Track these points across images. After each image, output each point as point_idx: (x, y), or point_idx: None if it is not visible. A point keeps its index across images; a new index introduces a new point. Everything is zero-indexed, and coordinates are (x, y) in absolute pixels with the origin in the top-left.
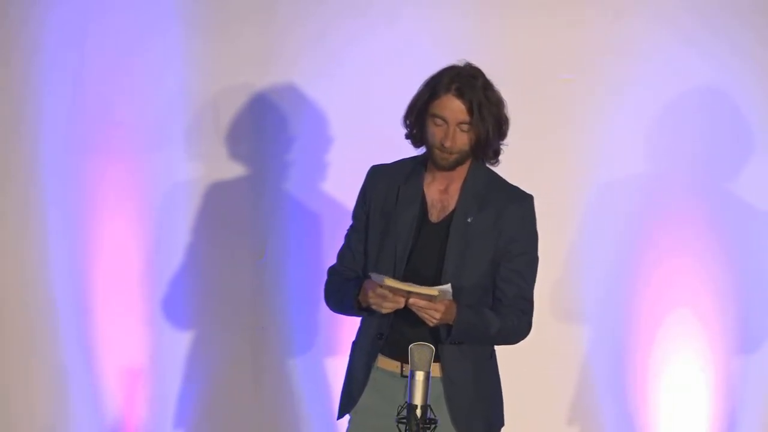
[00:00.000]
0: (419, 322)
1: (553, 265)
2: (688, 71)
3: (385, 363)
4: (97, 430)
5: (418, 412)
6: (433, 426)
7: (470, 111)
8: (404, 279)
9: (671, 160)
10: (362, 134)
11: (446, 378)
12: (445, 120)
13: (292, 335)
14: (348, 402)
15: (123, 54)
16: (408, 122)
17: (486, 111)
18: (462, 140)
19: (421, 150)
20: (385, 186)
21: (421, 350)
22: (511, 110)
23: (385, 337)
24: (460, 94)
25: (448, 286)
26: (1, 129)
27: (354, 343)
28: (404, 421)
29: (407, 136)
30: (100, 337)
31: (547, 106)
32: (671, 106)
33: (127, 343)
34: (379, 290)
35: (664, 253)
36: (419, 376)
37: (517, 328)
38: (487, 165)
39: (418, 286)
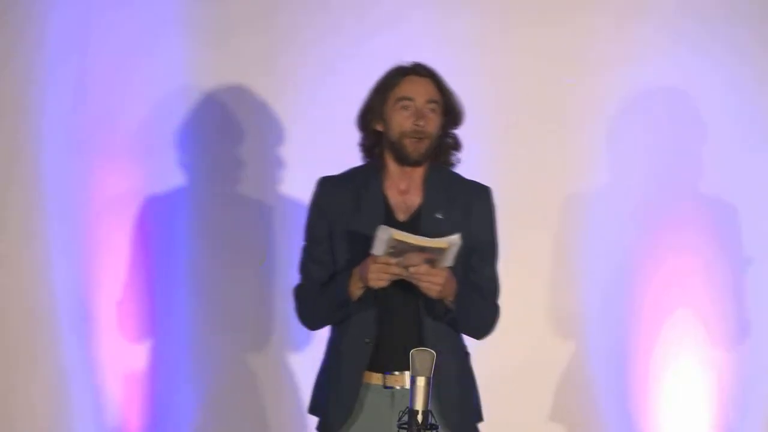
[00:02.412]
0: (407, 324)
1: (555, 266)
2: (690, 75)
3: (368, 377)
4: None
5: (420, 417)
6: (434, 431)
7: (438, 89)
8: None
9: (672, 160)
10: None
11: (437, 378)
12: (412, 100)
13: (293, 340)
14: (342, 413)
15: (125, 57)
16: (363, 124)
17: (446, 89)
18: (433, 121)
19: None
20: (343, 194)
21: (422, 356)
22: (513, 111)
23: (374, 343)
24: (421, 74)
25: (456, 237)
26: (2, 131)
27: (332, 347)
28: (405, 426)
29: (361, 143)
30: (101, 341)
31: (549, 109)
32: (672, 106)
33: (127, 347)
34: (381, 259)
35: (665, 253)
36: (420, 381)
37: (494, 315)
38: (446, 167)
39: (427, 238)
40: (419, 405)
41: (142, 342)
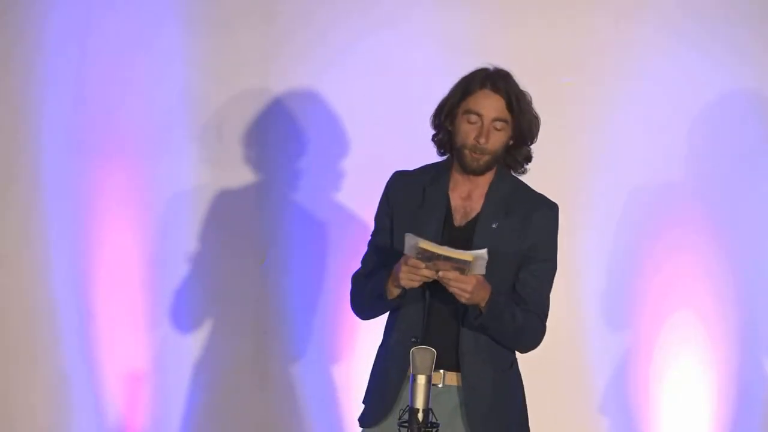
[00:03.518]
0: (449, 326)
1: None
2: (689, 74)
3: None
4: None
5: (420, 415)
6: (434, 430)
7: (509, 107)
8: (429, 284)
9: (672, 160)
10: (365, 137)
11: (466, 385)
12: (480, 116)
13: (295, 339)
14: (381, 408)
15: (125, 56)
16: (437, 123)
17: (519, 104)
18: (496, 140)
19: (443, 158)
20: (410, 190)
21: (422, 354)
22: None
23: (420, 341)
24: (497, 89)
25: (483, 251)
26: (2, 131)
27: (382, 347)
28: (406, 424)
29: (434, 139)
30: (102, 341)
31: (549, 109)
32: (672, 106)
33: (129, 347)
34: (411, 261)
35: (666, 254)
36: (420, 379)
37: (535, 330)
38: (513, 173)
39: (452, 249)
40: (419, 403)
41: (141, 342)
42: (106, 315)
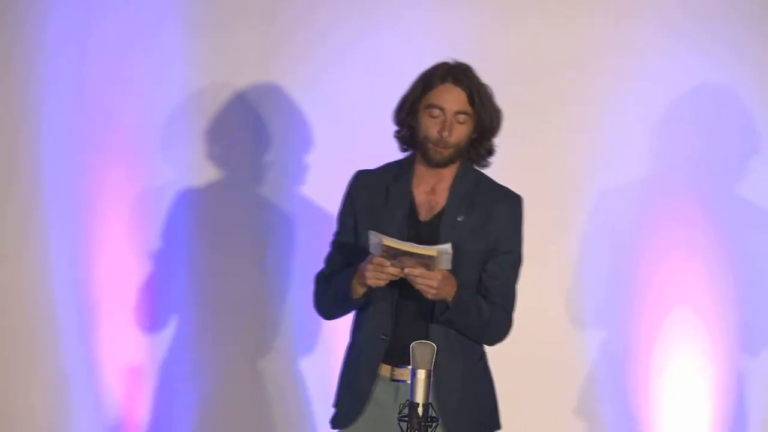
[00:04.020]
0: (418, 321)
1: (554, 264)
2: (689, 73)
3: (380, 369)
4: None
5: (420, 410)
6: (434, 424)
7: (470, 100)
8: (398, 279)
9: (672, 160)
10: (364, 135)
11: (436, 380)
12: (442, 109)
13: (294, 336)
14: (352, 409)
15: (125, 56)
16: (399, 119)
17: (481, 97)
18: (459, 133)
19: (406, 154)
20: (373, 188)
21: (422, 348)
22: (513, 111)
23: (390, 338)
24: (458, 83)
25: (447, 246)
26: (2, 131)
27: (350, 346)
28: (406, 419)
29: (396, 135)
30: (102, 340)
31: (548, 106)
32: (672, 106)
33: (128, 344)
34: (376, 259)
35: (664, 251)
36: (421, 374)
37: (502, 323)
38: (476, 167)
39: (416, 245)
40: (419, 398)
41: (142, 341)
42: (106, 314)
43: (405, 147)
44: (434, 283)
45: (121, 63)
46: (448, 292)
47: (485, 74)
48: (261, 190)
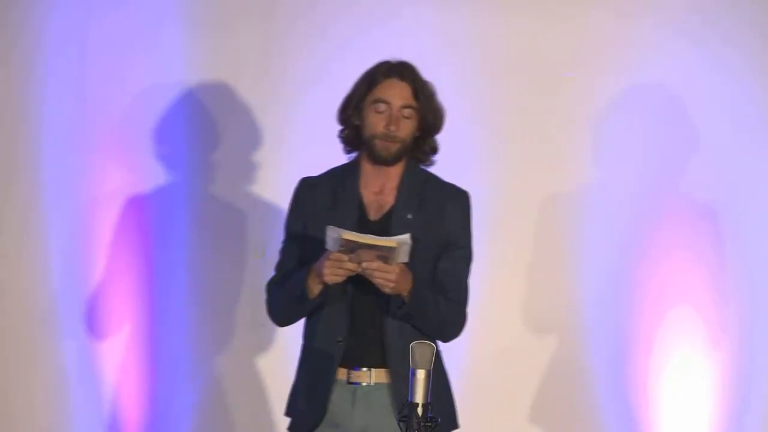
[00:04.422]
0: (372, 322)
1: (554, 263)
2: (689, 71)
3: (337, 372)
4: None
5: (420, 410)
6: (434, 424)
7: (415, 95)
8: (352, 278)
9: (672, 158)
10: None
11: (395, 383)
12: (388, 104)
13: (293, 335)
14: (312, 416)
15: (124, 56)
16: (343, 118)
17: (425, 93)
18: (405, 127)
19: (351, 157)
20: (320, 193)
21: (422, 348)
22: (512, 108)
23: (345, 340)
24: (403, 78)
25: (407, 236)
26: (2, 131)
27: (304, 351)
28: (405, 419)
29: (340, 136)
30: (102, 340)
31: (547, 104)
32: (672, 104)
33: (127, 344)
34: (334, 255)
35: (664, 251)
36: (420, 374)
37: (458, 318)
38: (422, 167)
39: (377, 237)
40: (419, 398)
41: (141, 341)
42: (105, 314)
43: (349, 149)
44: (392, 276)
45: (121, 63)
46: (405, 286)
47: (480, 70)
48: (260, 189)
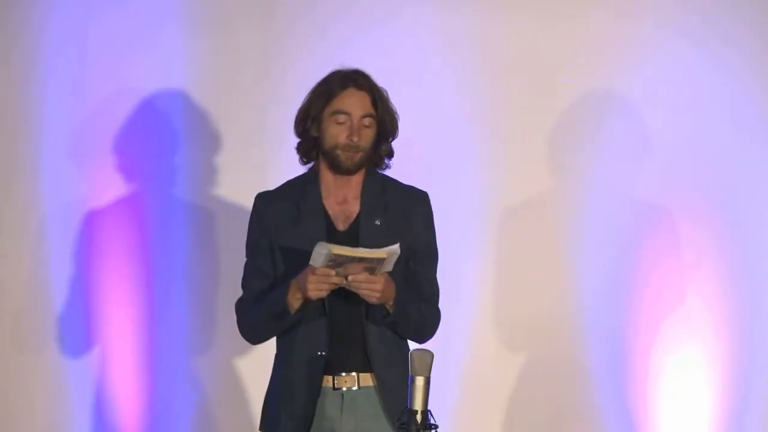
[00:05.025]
0: (353, 330)
1: (553, 265)
2: (689, 71)
3: (322, 381)
4: None
5: (419, 417)
6: (434, 431)
7: (373, 103)
8: (329, 295)
9: (672, 159)
10: None
11: (381, 386)
12: (348, 114)
13: None
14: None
15: (124, 57)
16: (300, 130)
17: (382, 100)
18: (366, 136)
19: (307, 167)
20: (281, 207)
21: (422, 355)
22: (512, 108)
23: (326, 353)
24: (360, 87)
25: (396, 246)
26: (2, 131)
27: (283, 360)
28: (404, 426)
29: (298, 148)
30: (102, 341)
31: (547, 104)
32: (671, 106)
33: (126, 348)
34: (321, 270)
35: (664, 252)
36: (419, 381)
37: (435, 318)
38: (378, 171)
39: (367, 250)
40: (418, 405)
41: (140, 343)
42: (105, 315)
43: (305, 160)
44: (379, 287)
45: (121, 63)
46: (390, 295)
47: (480, 70)
48: (259, 189)
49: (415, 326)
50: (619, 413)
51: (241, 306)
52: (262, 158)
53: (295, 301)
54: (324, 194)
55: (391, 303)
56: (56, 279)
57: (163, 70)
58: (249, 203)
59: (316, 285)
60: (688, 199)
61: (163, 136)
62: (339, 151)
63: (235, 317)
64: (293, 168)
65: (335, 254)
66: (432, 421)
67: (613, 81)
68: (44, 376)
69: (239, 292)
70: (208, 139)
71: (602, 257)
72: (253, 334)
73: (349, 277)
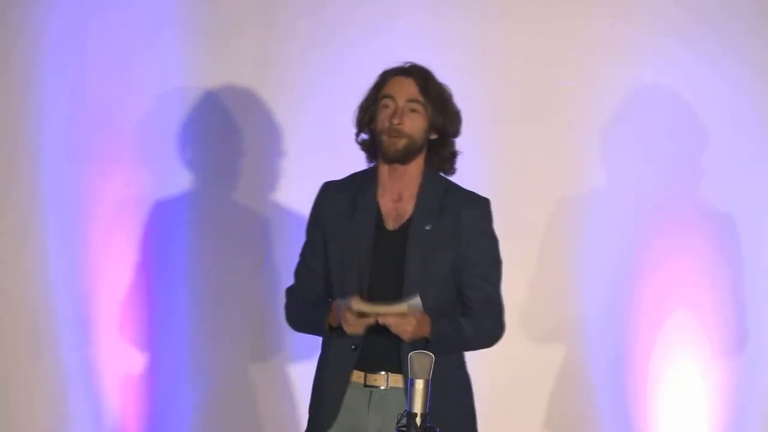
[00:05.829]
0: (389, 336)
1: (553, 268)
2: (686, 74)
3: (352, 375)
4: None
5: (418, 420)
6: None
7: (421, 90)
8: (369, 288)
9: (671, 162)
10: None
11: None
12: (393, 98)
13: (292, 340)
14: (323, 419)
15: (124, 58)
16: (360, 122)
17: (436, 92)
18: (412, 122)
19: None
20: (339, 200)
21: (420, 358)
22: (509, 116)
23: (359, 348)
24: (409, 74)
25: (416, 300)
26: (2, 131)
27: (322, 352)
28: (404, 429)
29: (358, 141)
30: (102, 342)
31: (545, 111)
32: (671, 109)
33: (127, 349)
34: (352, 318)
35: (663, 255)
36: (419, 384)
37: (491, 331)
38: (442, 174)
39: (386, 305)
40: (418, 408)
41: (141, 344)
42: (105, 316)
43: (368, 153)
44: (409, 328)
45: (121, 63)
46: (424, 330)
47: (479, 75)
48: (261, 195)
49: (458, 347)
50: (619, 418)
51: (289, 295)
52: (262, 160)
53: (333, 322)
54: (380, 190)
55: (427, 335)
56: (56, 280)
57: (163, 70)
58: (249, 204)
59: (351, 327)
60: (687, 203)
61: (163, 138)
62: (384, 137)
63: (234, 317)
64: (293, 168)
65: (356, 310)
66: (431, 425)
67: (613, 84)
68: (44, 377)
69: (239, 292)
70: (208, 141)
71: (603, 261)
72: (294, 327)
73: (380, 320)
